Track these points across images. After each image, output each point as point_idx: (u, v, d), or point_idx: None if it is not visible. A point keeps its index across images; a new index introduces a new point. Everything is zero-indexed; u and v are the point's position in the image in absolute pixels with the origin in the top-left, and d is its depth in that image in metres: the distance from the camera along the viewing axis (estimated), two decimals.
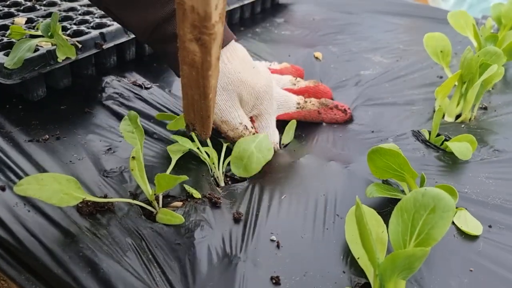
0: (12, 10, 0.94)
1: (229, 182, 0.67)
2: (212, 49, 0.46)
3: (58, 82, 0.81)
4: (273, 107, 0.75)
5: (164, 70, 0.94)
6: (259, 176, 0.68)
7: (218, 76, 0.55)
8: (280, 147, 0.76)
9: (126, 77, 0.88)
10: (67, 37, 0.80)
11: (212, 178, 0.67)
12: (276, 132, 0.76)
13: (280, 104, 0.78)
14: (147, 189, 0.58)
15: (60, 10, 0.96)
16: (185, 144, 0.67)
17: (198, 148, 0.67)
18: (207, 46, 0.46)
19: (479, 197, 0.66)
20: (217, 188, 0.65)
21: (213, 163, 0.67)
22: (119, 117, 0.77)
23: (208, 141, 0.68)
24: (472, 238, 0.59)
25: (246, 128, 0.71)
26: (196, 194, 0.61)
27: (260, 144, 0.67)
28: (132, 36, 0.90)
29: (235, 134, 0.70)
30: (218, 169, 0.67)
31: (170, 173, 0.64)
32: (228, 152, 0.70)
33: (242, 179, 0.68)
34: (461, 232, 0.59)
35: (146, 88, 0.85)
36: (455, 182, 0.68)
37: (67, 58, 0.77)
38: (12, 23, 0.88)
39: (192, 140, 0.68)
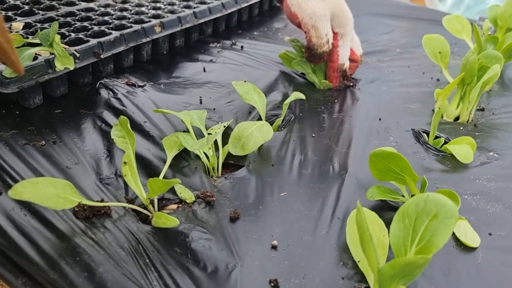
0: (10, 14, 0.94)
1: (226, 177, 0.67)
2: None
3: (55, 90, 0.81)
4: (352, 34, 0.92)
5: (161, 71, 0.94)
6: (257, 169, 0.68)
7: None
8: None
9: (120, 78, 0.88)
10: (66, 46, 0.80)
11: (207, 171, 0.67)
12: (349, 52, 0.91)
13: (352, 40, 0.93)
14: (141, 194, 0.58)
15: (58, 15, 0.96)
16: (182, 140, 0.66)
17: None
18: None
19: (480, 203, 0.65)
20: (213, 182, 0.65)
21: (209, 160, 0.67)
22: (114, 118, 0.76)
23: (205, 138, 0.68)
24: (472, 248, 0.58)
25: (328, 42, 0.85)
26: (190, 199, 0.61)
27: (261, 126, 0.69)
28: (131, 44, 0.90)
29: (318, 42, 0.84)
30: (215, 161, 0.67)
31: (166, 171, 0.64)
32: (224, 144, 0.70)
33: (239, 167, 0.68)
34: (460, 243, 0.58)
35: (140, 87, 0.85)
36: (455, 186, 0.67)
37: (66, 68, 0.77)
38: (9, 28, 0.88)
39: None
